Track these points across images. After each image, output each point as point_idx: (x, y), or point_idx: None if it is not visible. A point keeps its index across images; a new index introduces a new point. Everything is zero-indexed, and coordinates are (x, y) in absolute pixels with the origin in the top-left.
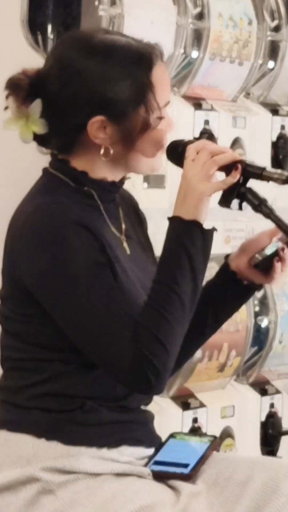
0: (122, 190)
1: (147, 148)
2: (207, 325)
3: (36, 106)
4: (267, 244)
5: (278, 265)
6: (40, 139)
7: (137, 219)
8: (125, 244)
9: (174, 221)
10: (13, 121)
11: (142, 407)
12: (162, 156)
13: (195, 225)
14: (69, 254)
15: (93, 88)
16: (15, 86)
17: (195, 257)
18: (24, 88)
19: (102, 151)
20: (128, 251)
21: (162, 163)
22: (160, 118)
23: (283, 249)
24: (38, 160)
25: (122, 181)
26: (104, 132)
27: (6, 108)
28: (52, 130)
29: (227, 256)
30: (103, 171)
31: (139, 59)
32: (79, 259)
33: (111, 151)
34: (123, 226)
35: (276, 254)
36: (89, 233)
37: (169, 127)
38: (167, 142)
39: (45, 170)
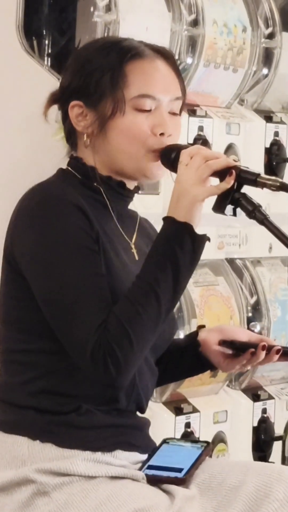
0: (148, 222)
1: (121, 140)
2: (166, 376)
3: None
4: (244, 339)
5: (246, 357)
6: None
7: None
8: (134, 250)
9: (167, 221)
10: (59, 131)
11: (138, 413)
12: (156, 164)
13: (186, 228)
14: (57, 232)
15: (74, 75)
16: (54, 97)
17: (181, 260)
18: (56, 97)
19: (84, 139)
20: (136, 257)
21: (158, 171)
22: (139, 109)
23: (263, 347)
24: (55, 163)
25: (135, 190)
26: (85, 119)
27: (56, 121)
28: (62, 123)
29: (200, 326)
30: (104, 168)
31: (119, 50)
32: (65, 237)
33: (87, 138)
34: (135, 236)
35: (255, 347)
36: (83, 216)
37: (158, 127)
38: (155, 144)
39: (59, 169)
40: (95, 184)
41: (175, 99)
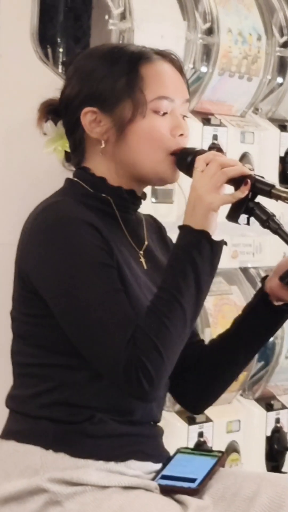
0: (150, 217)
1: (141, 143)
2: (240, 354)
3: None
4: None
5: None
6: (69, 158)
7: (163, 244)
8: (142, 259)
9: (184, 229)
10: (50, 143)
11: (152, 423)
12: (173, 168)
13: (204, 235)
14: (73, 252)
15: (84, 82)
16: (46, 106)
17: (201, 268)
18: (53, 108)
19: (101, 146)
20: (145, 266)
21: (175, 173)
22: (157, 112)
23: None
24: (58, 173)
25: (142, 196)
26: (100, 126)
27: (44, 134)
28: (66, 134)
29: (264, 278)
30: (115, 176)
31: (130, 54)
32: (83, 257)
33: (104, 145)
34: (145, 243)
35: None
36: (97, 233)
37: (177, 129)
38: (174, 146)
39: (66, 179)
40: (104, 195)
41: (185, 101)
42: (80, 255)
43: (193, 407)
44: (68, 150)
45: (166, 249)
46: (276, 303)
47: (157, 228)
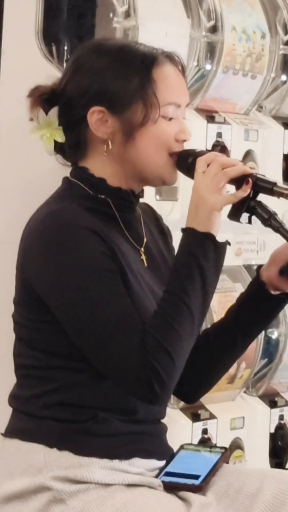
0: (145, 205)
1: (149, 147)
2: (237, 342)
3: (54, 113)
4: None
5: None
6: (61, 150)
7: (161, 234)
8: (143, 257)
9: (188, 232)
10: (37, 130)
11: (156, 421)
12: (174, 169)
13: (208, 237)
14: (77, 259)
15: (92, 79)
16: (39, 95)
17: (207, 269)
18: (47, 97)
19: (106, 147)
20: (145, 264)
21: (175, 175)
22: (165, 117)
23: None
24: (56, 170)
25: (140, 194)
26: (106, 125)
27: (31, 119)
28: (63, 129)
29: (259, 267)
30: (117, 177)
31: (142, 55)
32: (87, 264)
33: (111, 145)
34: (145, 239)
35: None
36: (100, 239)
37: (181, 134)
38: (176, 148)
39: (64, 179)
40: (103, 196)
41: (187, 105)
42: (83, 262)
43: (189, 397)
44: (58, 140)
45: (163, 238)
46: (273, 292)
47: (153, 216)
